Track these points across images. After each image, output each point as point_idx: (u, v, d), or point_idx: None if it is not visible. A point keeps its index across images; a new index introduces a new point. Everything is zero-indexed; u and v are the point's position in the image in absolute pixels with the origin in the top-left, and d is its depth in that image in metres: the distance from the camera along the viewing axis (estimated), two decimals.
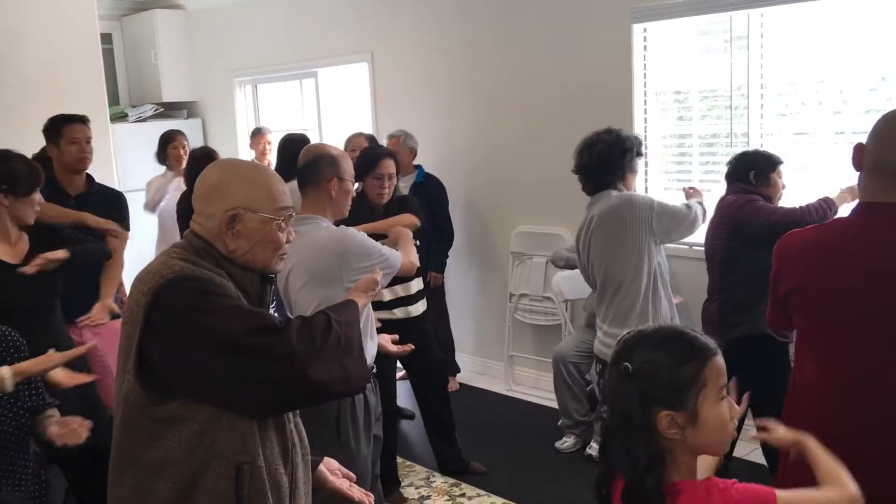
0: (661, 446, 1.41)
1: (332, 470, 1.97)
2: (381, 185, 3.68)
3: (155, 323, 1.59)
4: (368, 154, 3.86)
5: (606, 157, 3.26)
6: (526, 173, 5.20)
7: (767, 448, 3.78)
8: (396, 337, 2.87)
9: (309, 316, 1.75)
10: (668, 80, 4.58)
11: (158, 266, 1.66)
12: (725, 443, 1.45)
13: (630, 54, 4.55)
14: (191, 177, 4.84)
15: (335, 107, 6.76)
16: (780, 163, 3.59)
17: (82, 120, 3.90)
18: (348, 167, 2.79)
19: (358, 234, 2.75)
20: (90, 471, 3.08)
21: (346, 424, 2.63)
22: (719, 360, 1.44)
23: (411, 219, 3.67)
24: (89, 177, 3.98)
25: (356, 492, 1.95)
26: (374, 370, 2.81)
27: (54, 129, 3.86)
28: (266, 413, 1.68)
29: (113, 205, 3.96)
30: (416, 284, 3.90)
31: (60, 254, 3.04)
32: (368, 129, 6.09)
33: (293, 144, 4.99)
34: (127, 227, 3.95)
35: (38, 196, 2.99)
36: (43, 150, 4.11)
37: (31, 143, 3.97)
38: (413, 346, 2.91)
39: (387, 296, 3.78)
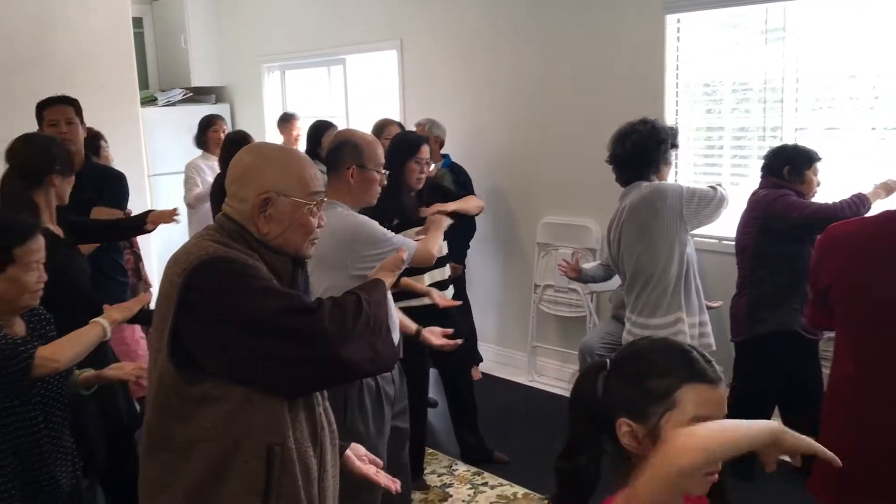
0: (624, 454, 1.35)
1: (359, 456, 1.99)
2: (420, 169, 3.70)
3: (188, 304, 1.61)
4: (409, 139, 3.87)
5: (641, 148, 3.24)
6: (554, 163, 5.18)
7: None
8: (450, 330, 2.86)
9: (339, 297, 1.75)
10: (700, 72, 4.53)
11: (192, 247, 1.68)
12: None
13: (662, 45, 4.51)
14: (225, 160, 4.87)
15: (363, 94, 6.76)
16: (818, 160, 3.55)
17: (64, 101, 3.87)
18: (373, 155, 2.73)
19: (370, 223, 2.71)
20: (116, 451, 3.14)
21: (353, 410, 2.63)
22: (708, 391, 1.29)
23: (476, 201, 3.81)
24: (87, 156, 3.99)
25: (382, 478, 1.96)
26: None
27: (37, 112, 3.89)
28: (297, 393, 1.69)
29: (106, 184, 3.96)
30: (447, 271, 3.91)
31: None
32: (396, 118, 6.10)
33: (322, 131, 5.03)
34: (121, 208, 3.98)
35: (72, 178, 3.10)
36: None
37: None
38: (461, 341, 2.90)
39: (425, 280, 3.79)
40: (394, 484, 1.96)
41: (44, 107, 3.84)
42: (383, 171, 2.78)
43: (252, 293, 1.61)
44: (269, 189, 1.71)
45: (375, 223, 2.74)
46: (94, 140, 4.23)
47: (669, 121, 4.51)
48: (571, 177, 5.09)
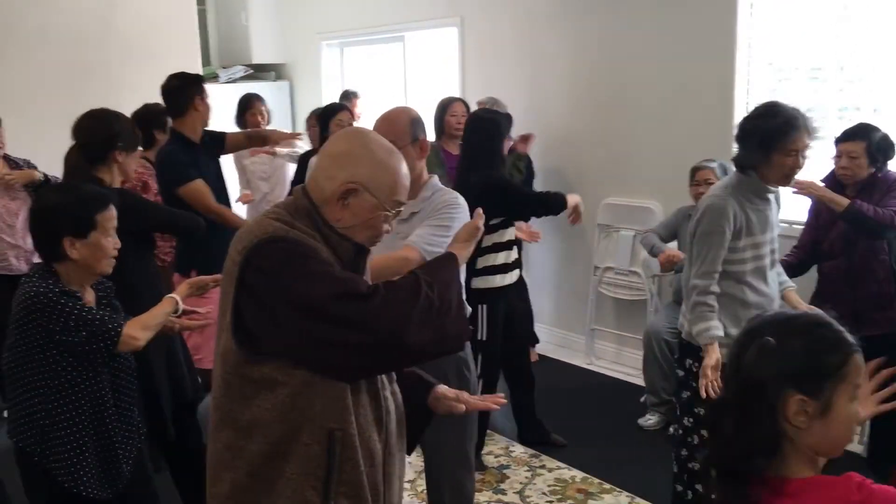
0: (782, 432, 1.34)
1: (445, 395, 1.96)
2: (456, 121, 3.71)
3: (248, 282, 1.60)
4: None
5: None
6: (617, 144, 5.08)
7: (878, 436, 3.65)
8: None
9: (398, 280, 1.72)
10: (774, 53, 4.38)
11: (254, 225, 1.67)
12: (845, 444, 1.38)
13: (734, 25, 4.36)
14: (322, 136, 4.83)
15: (422, 72, 6.71)
16: None
17: None
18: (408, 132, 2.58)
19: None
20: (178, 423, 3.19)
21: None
22: (860, 357, 1.37)
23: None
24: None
25: (471, 402, 1.96)
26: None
27: (198, 84, 4.15)
28: (353, 377, 1.66)
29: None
30: (513, 254, 3.88)
31: None
32: (456, 95, 6.04)
33: (331, 115, 5.00)
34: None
35: (139, 151, 3.17)
36: (144, 106, 4.20)
37: (129, 103, 4.07)
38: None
39: (500, 259, 3.77)
40: (496, 400, 1.95)
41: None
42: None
43: (308, 276, 1.59)
44: (360, 181, 1.69)
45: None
46: (160, 116, 4.25)
47: (739, 103, 4.38)
48: (635, 157, 4.99)
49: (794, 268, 3.53)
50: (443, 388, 1.97)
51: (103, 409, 2.29)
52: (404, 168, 1.77)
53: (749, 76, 4.43)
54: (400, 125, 2.53)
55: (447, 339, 1.70)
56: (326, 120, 4.71)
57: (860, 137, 3.48)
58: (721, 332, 2.80)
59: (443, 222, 2.54)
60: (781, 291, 3.01)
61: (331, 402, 1.63)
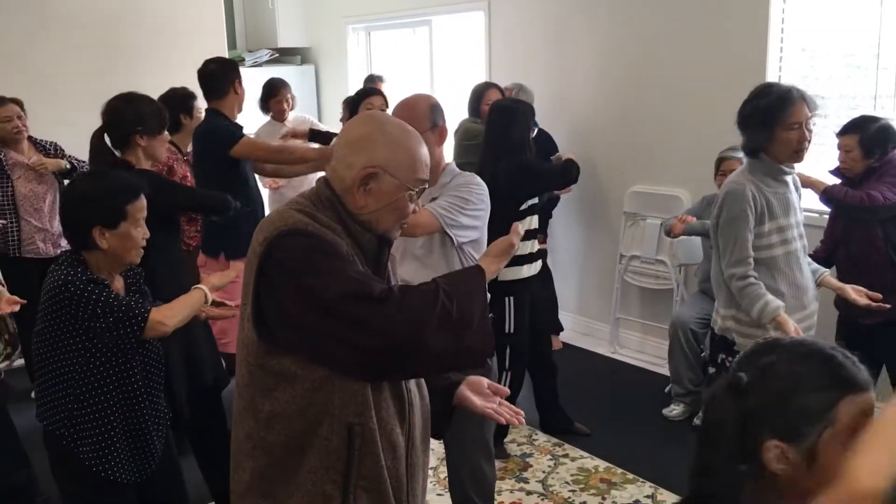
0: (766, 477, 1.18)
1: (481, 388, 1.90)
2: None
3: (267, 274, 1.59)
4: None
5: None
6: (645, 131, 5.02)
7: None
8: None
9: (416, 286, 1.69)
10: (808, 39, 4.30)
11: (276, 216, 1.66)
12: None
13: (767, 10, 4.28)
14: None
15: (448, 56, 6.67)
16: None
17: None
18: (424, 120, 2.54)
19: None
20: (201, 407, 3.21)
21: None
22: (864, 399, 1.16)
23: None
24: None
25: (504, 412, 1.86)
26: None
27: (235, 71, 4.10)
28: (364, 377, 1.63)
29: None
30: (535, 244, 3.86)
31: None
32: (483, 81, 6.01)
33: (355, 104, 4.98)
34: None
35: (165, 134, 3.10)
36: (171, 90, 4.21)
37: (156, 85, 4.07)
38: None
39: (526, 249, 3.76)
40: (517, 417, 1.87)
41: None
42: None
43: (323, 272, 1.57)
44: (378, 164, 1.66)
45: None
46: (187, 100, 4.26)
47: None
48: (663, 145, 4.93)
49: (823, 261, 3.48)
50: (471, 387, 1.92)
51: (134, 395, 2.30)
52: (422, 145, 1.74)
53: (781, 62, 4.35)
54: (419, 111, 2.52)
55: (466, 352, 1.64)
56: (356, 104, 4.68)
57: (853, 131, 3.50)
58: (782, 301, 2.75)
59: (461, 194, 2.56)
60: (817, 279, 2.96)
61: (350, 396, 1.62)
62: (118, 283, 2.36)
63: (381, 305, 1.55)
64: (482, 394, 1.89)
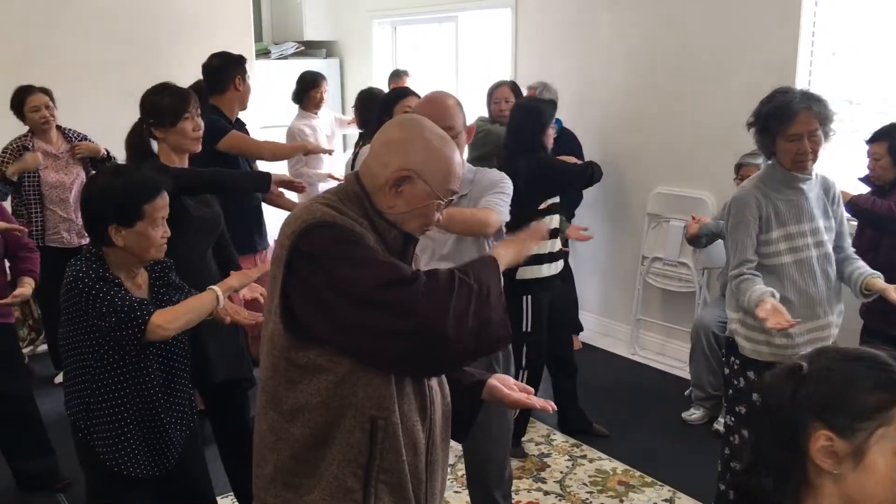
0: (807, 474, 1.18)
1: (507, 385, 1.92)
2: (498, 108, 3.67)
3: (295, 267, 1.60)
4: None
5: None
6: (670, 132, 4.98)
7: None
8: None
9: (434, 270, 1.68)
10: (839, 42, 4.25)
11: (303, 210, 1.66)
12: None
13: (798, 12, 4.23)
14: (363, 117, 4.84)
15: (474, 53, 6.66)
16: None
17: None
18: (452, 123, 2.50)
19: None
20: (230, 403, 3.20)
21: None
22: None
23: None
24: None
25: (536, 401, 1.89)
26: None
27: (239, 65, 4.16)
28: (396, 367, 1.64)
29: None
30: (557, 243, 3.85)
31: None
32: (507, 78, 5.99)
33: (371, 98, 4.98)
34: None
35: (190, 124, 2.94)
36: (197, 81, 4.22)
37: (183, 77, 4.07)
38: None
39: (546, 248, 3.75)
40: (549, 405, 1.89)
41: (244, 61, 4.18)
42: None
43: (353, 262, 1.58)
44: (413, 168, 1.67)
45: None
46: None
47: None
48: (688, 146, 4.89)
49: None
50: (498, 381, 1.94)
51: (150, 391, 2.30)
52: (458, 157, 1.74)
53: (811, 66, 4.30)
54: (452, 110, 2.48)
55: (490, 328, 1.63)
56: (390, 105, 4.65)
57: (882, 139, 3.46)
58: (769, 289, 2.68)
59: (501, 190, 2.58)
60: (862, 281, 2.82)
61: (374, 389, 1.62)
62: (140, 279, 2.35)
63: (412, 286, 1.57)
64: (509, 389, 1.91)
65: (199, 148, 3.02)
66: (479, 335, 1.62)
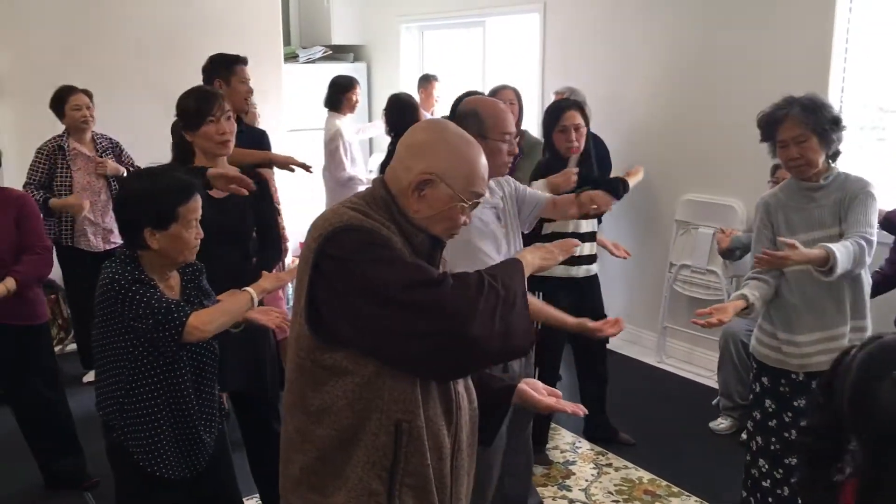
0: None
1: (537, 389, 1.93)
2: (567, 137, 3.63)
3: (322, 270, 1.60)
4: (552, 107, 3.84)
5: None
6: (700, 139, 4.94)
7: None
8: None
9: (463, 273, 1.68)
10: (872, 48, 4.19)
11: (330, 213, 1.67)
12: None
13: (833, 16, 4.18)
14: (392, 122, 4.87)
15: (501, 58, 6.65)
16: None
17: (246, 62, 3.97)
18: (497, 123, 2.61)
19: (465, 237, 2.51)
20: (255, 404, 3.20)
21: None
22: None
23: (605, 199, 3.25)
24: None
25: (567, 405, 1.90)
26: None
27: (226, 67, 3.95)
28: (421, 370, 1.63)
29: (257, 142, 4.02)
30: (594, 246, 3.84)
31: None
32: (535, 84, 5.99)
33: (400, 104, 4.99)
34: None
35: (213, 128, 2.91)
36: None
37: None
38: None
39: (576, 251, 3.74)
40: (579, 409, 1.91)
41: (237, 62, 4.00)
42: (510, 139, 2.66)
43: (379, 264, 1.58)
44: (435, 172, 1.66)
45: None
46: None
47: (834, 99, 4.20)
48: (718, 152, 4.84)
49: (888, 280, 3.40)
50: (529, 386, 1.95)
51: (182, 393, 2.31)
52: (482, 159, 1.73)
53: (844, 73, 4.25)
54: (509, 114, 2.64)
55: (514, 333, 1.64)
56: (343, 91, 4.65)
57: None
58: (746, 291, 2.75)
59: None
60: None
61: (399, 393, 1.62)
62: (173, 281, 2.36)
63: (439, 287, 1.58)
64: (539, 393, 1.92)
65: (227, 151, 2.99)
66: (504, 339, 1.62)
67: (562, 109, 3.70)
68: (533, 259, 1.84)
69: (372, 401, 1.62)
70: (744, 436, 3.98)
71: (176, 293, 2.36)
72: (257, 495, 3.35)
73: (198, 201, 2.31)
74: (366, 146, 7.32)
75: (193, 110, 2.91)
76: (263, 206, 3.11)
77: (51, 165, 4.54)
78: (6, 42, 5.30)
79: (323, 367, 1.63)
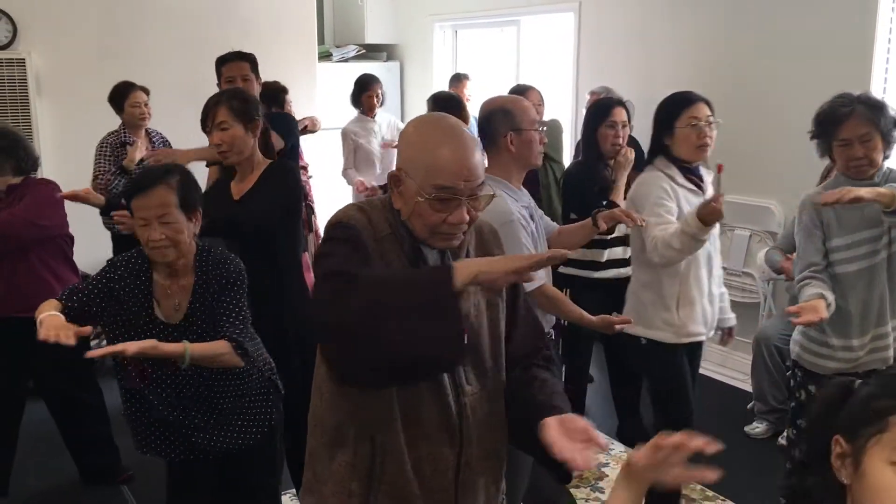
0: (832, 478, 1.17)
1: (570, 429, 1.50)
2: (615, 134, 3.61)
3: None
4: (600, 103, 3.85)
5: None
6: (735, 139, 4.85)
7: None
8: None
9: (375, 271, 1.56)
10: None
11: (339, 209, 1.69)
12: None
13: (874, 19, 4.10)
14: None
15: (535, 57, 6.62)
16: None
17: (240, 57, 3.90)
18: (525, 114, 2.66)
19: (517, 232, 2.53)
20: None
21: None
22: None
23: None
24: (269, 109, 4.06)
25: (578, 461, 1.44)
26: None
27: (217, 68, 3.94)
28: (336, 373, 1.58)
29: (282, 125, 3.99)
30: (626, 251, 3.81)
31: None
32: (569, 84, 5.96)
33: (442, 101, 4.97)
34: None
35: (215, 136, 2.87)
36: (262, 84, 4.27)
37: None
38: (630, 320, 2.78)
39: (604, 256, 3.73)
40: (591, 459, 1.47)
41: (222, 63, 3.92)
42: (539, 128, 2.69)
43: (325, 257, 1.55)
44: (402, 166, 1.61)
45: (522, 232, 2.57)
46: (279, 94, 4.34)
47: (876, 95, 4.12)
48: (754, 153, 4.78)
49: None
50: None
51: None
52: (455, 152, 1.55)
53: (886, 73, 4.17)
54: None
55: (392, 338, 1.39)
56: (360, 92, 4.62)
57: None
58: (821, 290, 2.56)
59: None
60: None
61: (372, 411, 1.60)
62: (184, 280, 2.32)
63: (345, 280, 1.45)
64: (569, 432, 1.50)
65: (228, 160, 2.94)
66: (373, 343, 1.41)
67: (611, 106, 3.69)
68: (470, 267, 1.45)
69: (349, 412, 1.62)
70: (781, 441, 3.95)
71: (187, 293, 2.32)
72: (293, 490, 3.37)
73: (150, 200, 2.20)
74: None
75: (204, 114, 2.93)
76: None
77: (116, 159, 4.60)
78: (43, 42, 5.39)
79: (320, 365, 1.68)
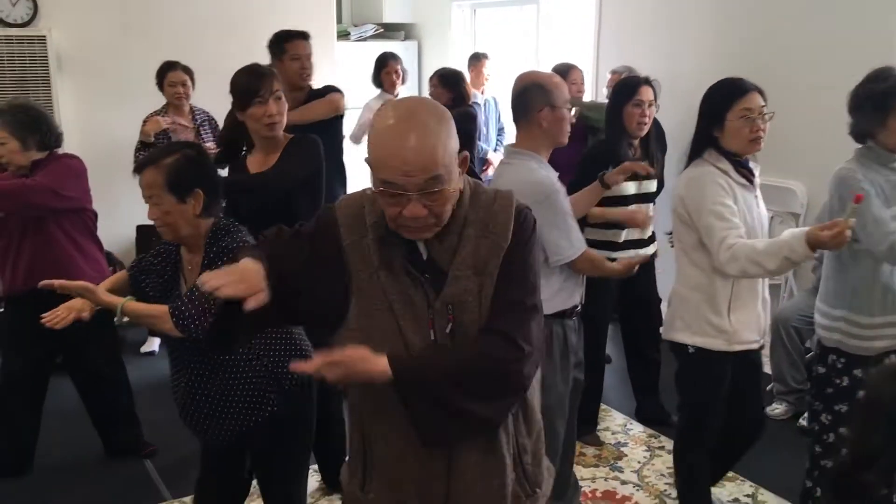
0: None
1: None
2: (641, 112, 3.59)
3: None
4: (627, 81, 3.82)
5: None
6: None
7: None
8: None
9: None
10: None
11: None
12: None
13: None
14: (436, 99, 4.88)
15: (555, 37, 6.57)
16: None
17: (303, 36, 3.93)
18: (561, 93, 2.70)
19: (560, 202, 2.60)
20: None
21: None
22: None
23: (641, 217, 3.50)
24: (309, 90, 4.05)
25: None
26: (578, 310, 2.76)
27: (277, 44, 3.93)
28: None
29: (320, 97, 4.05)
30: (648, 230, 3.81)
31: None
32: (589, 63, 5.91)
33: (447, 78, 4.97)
34: None
35: (260, 109, 2.85)
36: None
37: (267, 60, 4.12)
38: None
39: (621, 237, 3.72)
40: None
41: (285, 39, 3.93)
42: (570, 108, 2.75)
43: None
44: (368, 158, 1.55)
45: (566, 202, 2.67)
46: None
47: None
48: (777, 133, 4.66)
49: None
50: None
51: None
52: (390, 145, 1.48)
53: None
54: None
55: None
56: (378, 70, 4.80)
57: None
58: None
59: None
60: None
61: (364, 398, 1.69)
62: (193, 257, 2.34)
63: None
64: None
65: (273, 134, 2.89)
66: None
67: (638, 84, 3.65)
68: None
69: (351, 398, 1.74)
70: (802, 422, 3.94)
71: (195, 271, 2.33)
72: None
73: (141, 179, 2.25)
74: None
75: (243, 89, 2.87)
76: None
77: (159, 135, 4.61)
78: (66, 21, 5.39)
79: None
